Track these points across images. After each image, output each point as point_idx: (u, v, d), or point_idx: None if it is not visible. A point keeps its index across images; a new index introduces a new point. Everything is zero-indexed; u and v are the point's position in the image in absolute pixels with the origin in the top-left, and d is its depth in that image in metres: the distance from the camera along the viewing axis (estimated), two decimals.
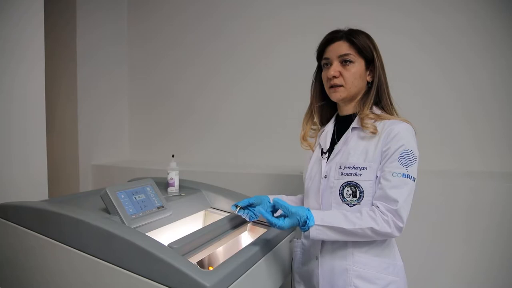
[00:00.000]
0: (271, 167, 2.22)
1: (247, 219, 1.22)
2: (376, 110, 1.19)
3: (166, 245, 1.03)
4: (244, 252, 1.11)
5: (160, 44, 2.75)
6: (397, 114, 1.20)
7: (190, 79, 2.63)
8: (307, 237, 1.10)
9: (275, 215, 1.12)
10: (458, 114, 1.90)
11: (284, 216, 1.07)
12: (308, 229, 1.05)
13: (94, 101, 2.59)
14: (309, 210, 1.07)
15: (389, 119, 1.15)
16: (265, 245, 1.19)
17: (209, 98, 2.56)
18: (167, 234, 1.29)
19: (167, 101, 2.74)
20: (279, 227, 1.05)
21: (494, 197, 1.62)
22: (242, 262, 1.05)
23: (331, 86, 1.18)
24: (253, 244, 1.18)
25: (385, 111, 1.19)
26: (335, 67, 1.17)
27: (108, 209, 1.18)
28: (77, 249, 1.07)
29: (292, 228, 1.40)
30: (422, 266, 1.73)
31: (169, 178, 1.52)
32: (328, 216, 1.07)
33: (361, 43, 1.16)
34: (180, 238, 1.13)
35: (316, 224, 1.04)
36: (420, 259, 1.72)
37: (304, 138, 1.29)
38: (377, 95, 1.19)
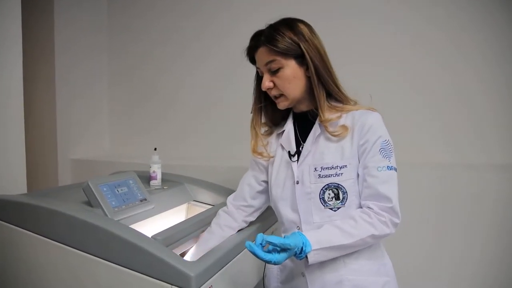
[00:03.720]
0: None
1: None
2: (335, 103, 1.08)
3: (150, 237, 1.04)
4: (227, 242, 1.13)
5: (142, 35, 2.69)
6: (349, 99, 1.10)
7: (172, 72, 2.60)
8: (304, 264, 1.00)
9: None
10: (458, 105, 1.87)
11: (277, 250, 0.92)
12: (306, 256, 0.94)
13: (73, 94, 2.53)
14: (302, 235, 0.95)
15: (356, 109, 1.06)
16: (248, 236, 1.21)
17: (193, 91, 2.54)
18: (150, 227, 1.29)
19: (149, 94, 2.70)
20: (275, 263, 0.90)
21: (496, 189, 1.63)
22: (226, 252, 1.07)
23: (274, 97, 1.09)
24: (236, 235, 1.20)
25: (341, 100, 1.08)
26: (266, 78, 1.06)
27: (91, 202, 1.17)
28: (60, 243, 1.07)
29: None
30: (420, 263, 1.73)
31: (151, 171, 1.52)
32: (323, 235, 0.97)
33: (282, 46, 1.02)
34: (164, 230, 1.14)
35: (313, 249, 0.94)
36: (418, 256, 1.73)
37: (254, 150, 1.16)
38: (324, 87, 1.05)
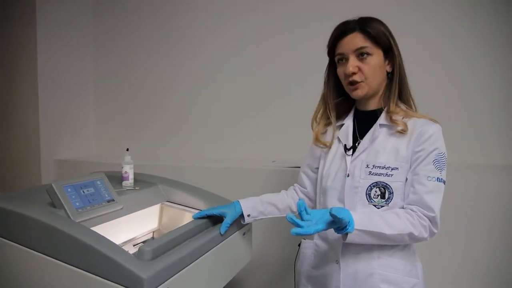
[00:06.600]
0: (241, 161, 2.23)
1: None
2: (402, 105, 1.14)
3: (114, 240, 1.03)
4: (189, 244, 1.10)
5: (128, 35, 2.69)
6: (416, 109, 1.17)
7: (158, 73, 2.60)
8: (336, 239, 1.09)
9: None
10: (458, 106, 1.86)
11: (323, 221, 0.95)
12: (346, 233, 0.98)
13: (57, 94, 2.53)
14: (349, 213, 0.98)
15: (418, 117, 1.10)
16: (214, 238, 1.19)
17: (180, 92, 2.54)
18: (117, 228, 1.28)
19: (135, 93, 2.70)
20: (315, 231, 0.93)
21: (496, 190, 1.60)
22: (186, 254, 1.04)
23: (350, 83, 1.11)
24: (201, 236, 1.17)
25: (408, 105, 1.15)
26: (353, 62, 1.08)
27: (54, 203, 1.16)
28: (19, 244, 1.06)
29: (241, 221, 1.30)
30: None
31: (123, 172, 1.51)
32: (367, 219, 1.00)
33: (377, 33, 1.08)
34: (153, 240, 1.09)
35: (356, 229, 0.98)
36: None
37: (317, 139, 1.22)
38: (399, 85, 1.12)
